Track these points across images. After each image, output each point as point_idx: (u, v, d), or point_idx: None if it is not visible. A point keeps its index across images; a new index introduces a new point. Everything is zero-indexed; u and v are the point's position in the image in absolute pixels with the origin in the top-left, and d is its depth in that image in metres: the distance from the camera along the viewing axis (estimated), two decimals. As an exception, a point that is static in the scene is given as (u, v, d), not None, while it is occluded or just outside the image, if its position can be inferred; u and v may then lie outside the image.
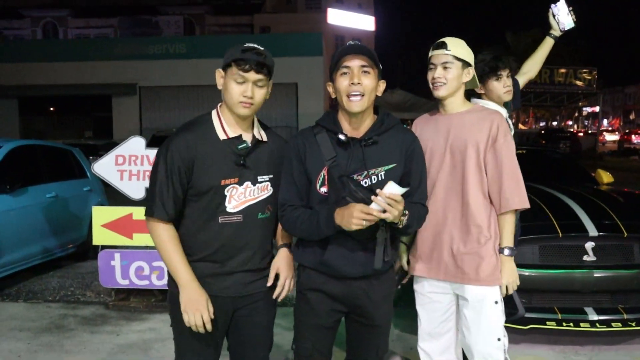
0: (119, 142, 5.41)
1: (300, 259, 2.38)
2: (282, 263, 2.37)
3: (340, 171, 2.19)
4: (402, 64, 46.90)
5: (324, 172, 2.24)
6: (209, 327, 2.22)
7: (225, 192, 2.25)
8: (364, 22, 45.93)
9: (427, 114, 2.84)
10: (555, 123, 63.64)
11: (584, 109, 55.85)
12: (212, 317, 2.23)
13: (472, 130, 2.60)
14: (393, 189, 2.03)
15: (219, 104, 2.35)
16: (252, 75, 2.19)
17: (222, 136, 2.26)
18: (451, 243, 2.64)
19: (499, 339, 2.64)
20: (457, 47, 2.60)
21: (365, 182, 2.21)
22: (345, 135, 2.25)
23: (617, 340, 4.23)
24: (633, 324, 3.92)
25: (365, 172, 2.22)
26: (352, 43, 2.27)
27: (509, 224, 2.63)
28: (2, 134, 23.55)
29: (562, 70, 36.80)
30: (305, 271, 2.37)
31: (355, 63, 2.23)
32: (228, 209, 2.26)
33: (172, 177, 2.20)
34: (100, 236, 5.09)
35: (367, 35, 47.17)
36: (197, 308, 2.19)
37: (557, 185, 5.09)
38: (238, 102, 2.21)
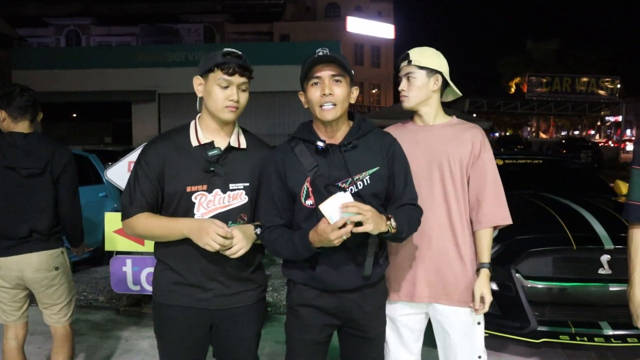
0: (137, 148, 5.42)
1: (289, 275, 2.31)
2: (240, 230, 2.14)
3: (325, 180, 2.11)
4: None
5: (307, 184, 2.16)
6: (226, 235, 2.05)
7: (194, 200, 2.19)
8: (384, 31, 45.94)
9: (399, 123, 2.69)
10: (577, 132, 62.80)
11: (607, 118, 55.02)
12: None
13: (455, 144, 2.49)
14: (334, 200, 1.94)
15: (198, 115, 2.32)
16: (237, 79, 2.17)
17: (194, 143, 2.23)
18: (433, 262, 2.49)
19: (479, 357, 2.53)
20: (421, 56, 2.50)
21: (352, 189, 2.13)
22: (324, 141, 2.19)
23: (632, 356, 4.13)
24: (649, 340, 3.82)
25: (350, 179, 2.15)
26: (322, 52, 2.15)
27: (488, 239, 2.49)
28: (24, 139, 23.92)
29: (584, 79, 36.58)
30: (296, 287, 2.28)
31: (325, 73, 2.15)
32: (196, 217, 2.19)
33: (142, 180, 2.20)
34: (112, 242, 5.09)
35: (386, 44, 47.18)
36: (206, 232, 2.04)
37: (572, 196, 5.00)
38: (224, 107, 2.18)
